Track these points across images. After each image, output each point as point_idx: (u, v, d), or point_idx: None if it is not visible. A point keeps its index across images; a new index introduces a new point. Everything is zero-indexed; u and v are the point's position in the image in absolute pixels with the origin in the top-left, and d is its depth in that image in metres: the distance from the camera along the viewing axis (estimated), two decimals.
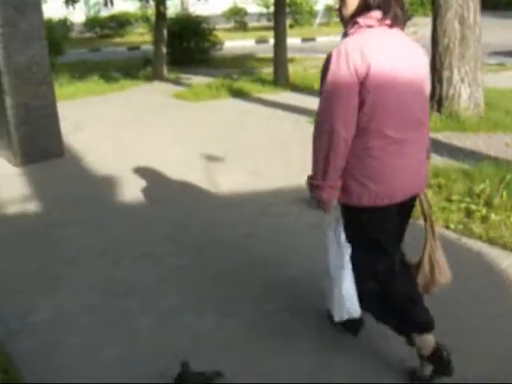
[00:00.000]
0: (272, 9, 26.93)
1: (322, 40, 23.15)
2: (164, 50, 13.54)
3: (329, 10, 29.57)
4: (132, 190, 5.66)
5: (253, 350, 3.04)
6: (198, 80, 12.44)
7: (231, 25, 30.34)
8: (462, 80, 7.46)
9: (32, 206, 5.46)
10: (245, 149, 6.91)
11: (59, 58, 14.54)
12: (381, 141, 2.46)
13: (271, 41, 16.86)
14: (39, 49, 6.70)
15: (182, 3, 32.71)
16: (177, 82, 12.64)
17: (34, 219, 5.15)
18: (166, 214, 5.05)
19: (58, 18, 24.30)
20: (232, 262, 4.06)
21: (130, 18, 33.51)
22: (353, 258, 2.64)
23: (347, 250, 2.63)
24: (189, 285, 3.78)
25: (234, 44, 22.25)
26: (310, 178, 2.62)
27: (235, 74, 12.79)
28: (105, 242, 4.53)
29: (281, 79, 11.19)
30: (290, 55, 11.73)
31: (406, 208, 2.73)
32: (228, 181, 5.76)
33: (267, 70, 12.90)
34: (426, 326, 2.68)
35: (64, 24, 27.69)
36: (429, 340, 2.68)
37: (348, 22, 2.62)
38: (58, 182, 6.18)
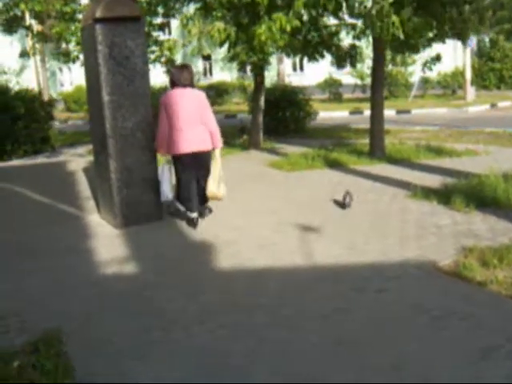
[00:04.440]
0: (367, 81, 27.14)
1: (417, 112, 23.03)
2: (261, 119, 13.79)
3: (424, 82, 29.50)
4: (225, 258, 5.69)
5: None
6: (294, 150, 12.54)
7: (326, 96, 30.73)
8: None
9: (129, 268, 5.56)
10: (341, 220, 6.83)
11: None
12: (173, 129, 6.60)
13: (366, 112, 16.90)
14: (144, 115, 6.98)
15: (279, 74, 33.50)
16: (272, 151, 12.80)
17: (131, 282, 5.23)
18: (259, 284, 5.00)
19: (159, 85, 25.34)
20: (327, 339, 3.93)
21: (228, 88, 34.60)
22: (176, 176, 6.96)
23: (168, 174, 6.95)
24: (280, 360, 3.67)
25: (328, 114, 22.46)
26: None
27: (330, 144, 12.82)
28: (203, 309, 4.52)
29: (377, 151, 11.09)
30: (385, 127, 11.65)
31: (194, 158, 6.70)
32: (322, 253, 5.67)
33: (362, 141, 12.86)
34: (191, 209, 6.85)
35: (165, 91, 28.93)
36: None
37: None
38: (155, 245, 6.30)
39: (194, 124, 6.63)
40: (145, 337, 4.08)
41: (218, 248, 5.97)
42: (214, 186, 6.77)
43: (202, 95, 6.81)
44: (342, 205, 7.35)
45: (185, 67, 6.95)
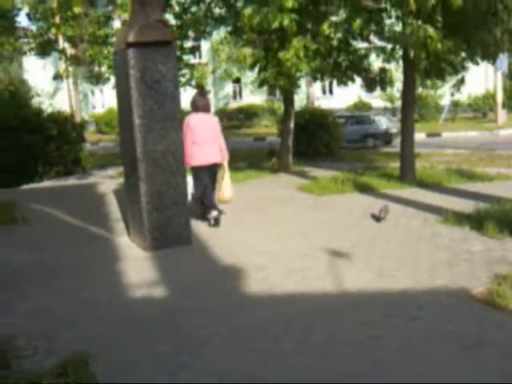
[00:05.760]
0: (397, 104, 27.00)
1: (447, 135, 22.86)
2: (290, 142, 13.80)
3: (455, 105, 29.30)
4: (254, 283, 5.64)
5: None
6: (323, 173, 12.50)
7: None
8: None
9: (157, 292, 5.55)
10: (371, 245, 6.76)
11: None
12: (194, 145, 8.02)
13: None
14: (175, 139, 7.02)
15: (308, 97, 33.58)
16: (302, 175, 12.78)
17: (159, 305, 5.22)
18: (288, 310, 4.95)
19: (189, 109, 25.57)
20: (358, 365, 3.86)
21: (257, 110, 34.73)
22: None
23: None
24: None
25: None
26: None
27: (360, 168, 12.75)
28: (231, 334, 4.48)
29: (407, 175, 11.00)
30: (415, 150, 11.55)
31: (209, 168, 8.23)
32: (352, 279, 5.60)
33: (392, 165, 12.77)
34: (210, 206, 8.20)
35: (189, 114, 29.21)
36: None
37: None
38: (184, 268, 6.29)
39: (210, 141, 8.16)
40: (172, 360, 4.05)
41: (247, 273, 5.94)
42: (229, 192, 8.39)
43: (216, 119, 8.56)
44: (377, 218, 7.85)
45: (203, 96, 8.66)
